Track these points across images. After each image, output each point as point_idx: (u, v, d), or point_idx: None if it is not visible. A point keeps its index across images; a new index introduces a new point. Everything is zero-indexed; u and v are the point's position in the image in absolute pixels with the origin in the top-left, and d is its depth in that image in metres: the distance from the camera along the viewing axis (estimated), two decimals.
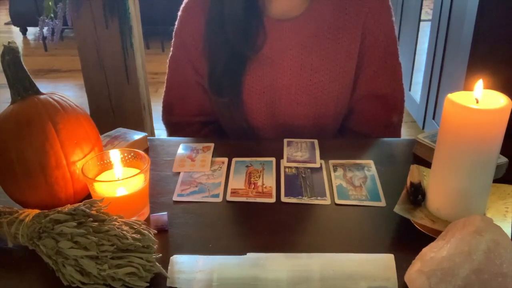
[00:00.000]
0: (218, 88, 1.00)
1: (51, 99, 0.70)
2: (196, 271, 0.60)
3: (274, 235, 0.68)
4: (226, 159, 0.86)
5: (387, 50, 0.99)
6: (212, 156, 0.87)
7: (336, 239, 0.67)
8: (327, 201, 0.75)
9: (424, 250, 0.58)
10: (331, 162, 0.85)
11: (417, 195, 0.69)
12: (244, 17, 0.94)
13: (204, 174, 0.82)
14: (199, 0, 0.99)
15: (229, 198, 0.76)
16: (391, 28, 0.99)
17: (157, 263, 0.59)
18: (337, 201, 0.74)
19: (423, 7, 2.70)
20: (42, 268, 0.61)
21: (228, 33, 0.96)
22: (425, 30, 2.79)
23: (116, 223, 0.60)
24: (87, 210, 0.60)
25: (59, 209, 0.62)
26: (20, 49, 0.70)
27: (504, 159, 0.79)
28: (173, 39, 1.04)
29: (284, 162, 0.84)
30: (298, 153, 0.87)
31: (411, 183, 0.70)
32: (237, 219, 0.73)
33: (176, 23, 1.02)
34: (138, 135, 0.90)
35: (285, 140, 0.91)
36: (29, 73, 0.70)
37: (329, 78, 0.98)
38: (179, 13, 1.02)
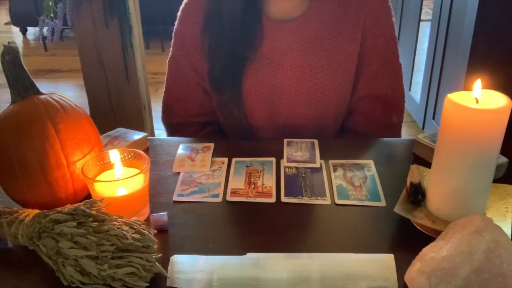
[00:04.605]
0: (218, 87, 1.00)
1: (51, 99, 0.70)
2: (196, 271, 0.60)
3: (274, 235, 0.68)
4: (226, 159, 0.86)
5: (387, 51, 0.99)
6: (212, 156, 0.87)
7: (336, 239, 0.67)
8: (327, 201, 0.75)
9: (424, 250, 0.58)
10: (331, 162, 0.85)
11: (417, 195, 0.69)
12: (242, 18, 0.94)
13: (204, 174, 0.82)
14: (198, 0, 0.99)
15: (229, 198, 0.76)
16: (391, 28, 0.99)
17: (157, 263, 0.59)
18: (337, 201, 0.74)
19: (423, 7, 2.70)
20: (42, 268, 0.61)
21: (227, 34, 0.96)
22: (425, 30, 2.79)
23: (116, 223, 0.60)
24: (87, 210, 0.60)
25: (59, 209, 0.62)
26: (20, 49, 0.70)
27: (504, 159, 0.79)
28: (173, 40, 1.04)
29: (284, 162, 0.84)
30: (298, 153, 0.87)
31: (411, 183, 0.70)
32: (237, 219, 0.73)
33: (176, 23, 1.02)
34: (138, 135, 0.90)
35: (285, 140, 0.90)
36: (29, 73, 0.70)
37: (330, 79, 0.97)
38: (179, 13, 1.02)
